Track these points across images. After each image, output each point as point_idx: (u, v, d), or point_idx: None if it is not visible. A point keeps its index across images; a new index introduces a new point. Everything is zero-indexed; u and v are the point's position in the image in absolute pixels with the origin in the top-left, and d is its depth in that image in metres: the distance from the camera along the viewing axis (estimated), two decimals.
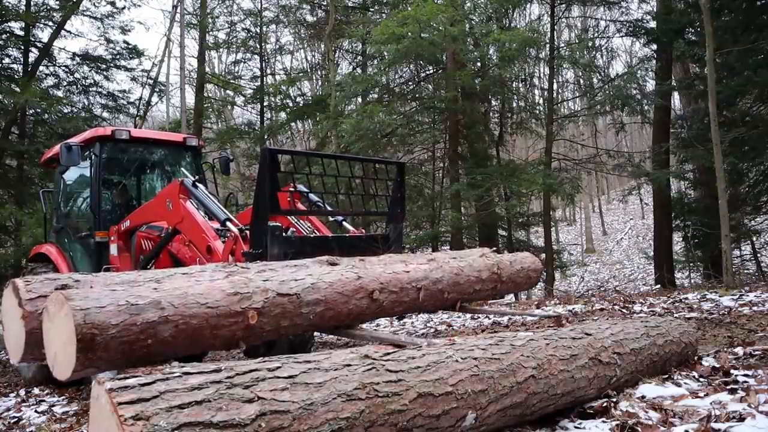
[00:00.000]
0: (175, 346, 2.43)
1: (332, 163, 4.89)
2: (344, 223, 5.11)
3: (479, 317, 7.25)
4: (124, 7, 14.62)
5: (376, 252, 4.34)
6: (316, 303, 2.96)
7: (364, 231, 5.30)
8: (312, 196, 5.06)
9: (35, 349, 2.51)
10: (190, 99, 18.48)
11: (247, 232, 3.98)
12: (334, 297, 3.05)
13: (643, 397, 2.72)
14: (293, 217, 4.92)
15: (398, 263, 3.67)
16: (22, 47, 13.47)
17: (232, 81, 19.31)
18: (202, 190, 4.52)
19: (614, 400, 2.65)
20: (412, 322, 7.91)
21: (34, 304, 2.53)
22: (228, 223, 4.17)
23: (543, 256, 13.35)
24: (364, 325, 3.49)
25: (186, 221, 4.38)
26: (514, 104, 16.44)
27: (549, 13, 13.97)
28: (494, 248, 4.94)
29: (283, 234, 4.01)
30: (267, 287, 2.77)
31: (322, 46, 19.34)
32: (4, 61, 13.68)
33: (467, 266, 4.02)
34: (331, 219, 5.35)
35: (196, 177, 4.81)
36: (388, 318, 8.36)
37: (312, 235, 4.70)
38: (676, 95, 16.72)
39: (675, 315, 5.48)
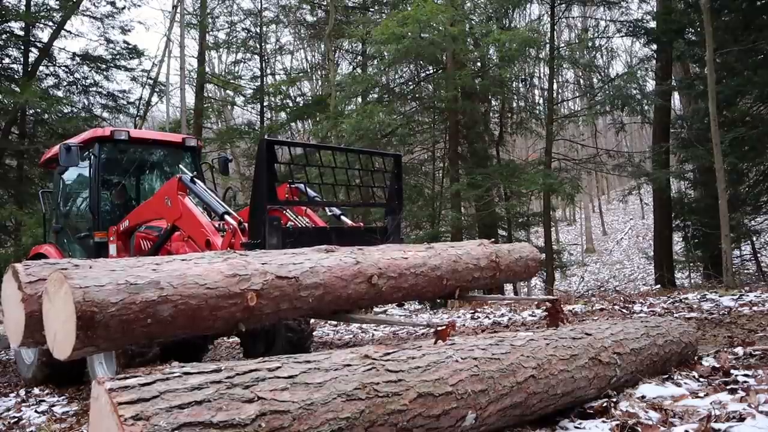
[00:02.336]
0: (174, 326, 2.43)
1: (331, 157, 4.87)
2: (342, 217, 5.10)
3: (479, 317, 7.25)
4: (124, 7, 14.63)
5: (375, 243, 4.35)
6: (315, 286, 2.96)
7: (362, 224, 5.29)
8: (309, 191, 5.05)
9: (35, 332, 2.51)
10: (190, 99, 18.50)
11: (246, 224, 3.98)
12: (333, 281, 3.05)
13: (643, 397, 2.72)
14: (291, 213, 4.92)
15: (396, 251, 3.67)
16: (22, 47, 13.48)
17: (232, 81, 19.32)
18: (200, 185, 4.52)
19: (614, 400, 2.65)
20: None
21: (34, 287, 2.53)
22: (226, 216, 4.17)
23: (543, 256, 13.35)
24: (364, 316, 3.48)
25: (185, 217, 4.39)
26: (514, 104, 16.45)
27: (549, 13, 13.98)
28: (492, 239, 4.95)
29: (281, 224, 4.01)
30: (266, 270, 2.77)
31: (322, 46, 19.35)
32: (4, 61, 13.69)
33: (465, 254, 4.03)
34: (329, 213, 5.35)
35: (194, 173, 4.80)
36: (388, 317, 8.36)
37: (311, 226, 4.71)
38: (676, 95, 16.74)
39: (675, 315, 5.48)
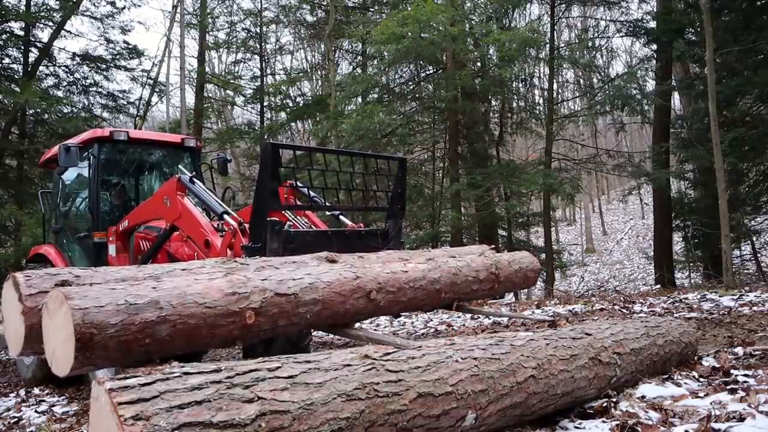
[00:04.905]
0: (172, 345, 2.44)
1: (333, 159, 4.83)
2: (341, 217, 5.09)
3: (479, 317, 7.25)
4: (124, 7, 14.63)
5: (376, 247, 4.33)
6: (313, 303, 2.96)
7: (363, 225, 5.27)
8: (308, 191, 5.03)
9: (35, 344, 2.52)
10: (190, 99, 18.49)
11: (246, 225, 3.98)
12: (331, 297, 3.05)
13: (643, 397, 2.72)
14: (290, 213, 4.91)
15: (397, 262, 3.65)
16: (22, 47, 13.47)
17: (232, 81, 19.31)
18: (199, 186, 4.52)
19: (614, 400, 2.65)
20: (412, 322, 7.91)
21: (35, 299, 2.54)
22: (226, 216, 4.17)
23: (543, 256, 13.35)
24: (364, 324, 3.47)
25: (184, 217, 4.39)
26: (514, 104, 16.45)
27: (549, 13, 13.98)
28: (493, 246, 4.92)
29: (282, 229, 4.01)
30: (265, 287, 2.77)
31: (322, 46, 19.35)
32: (4, 61, 13.68)
33: (465, 266, 4.01)
34: (327, 213, 5.33)
35: (193, 173, 4.81)
36: (387, 318, 8.37)
37: (311, 230, 4.69)
38: (676, 95, 16.73)
39: (675, 315, 5.48)
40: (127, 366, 2.23)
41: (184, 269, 3.05)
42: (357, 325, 3.43)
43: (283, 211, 4.77)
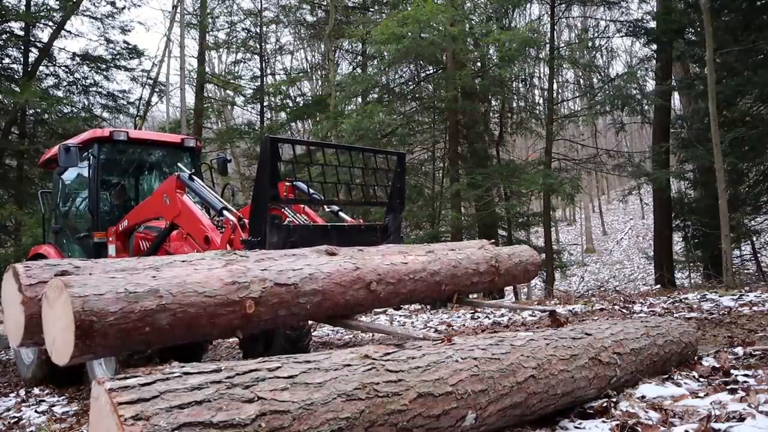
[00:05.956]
0: (172, 334, 2.43)
1: (333, 155, 4.82)
2: (340, 213, 5.09)
3: (479, 317, 7.26)
4: (124, 7, 14.65)
5: (376, 242, 4.33)
6: (313, 293, 2.95)
7: (362, 221, 5.27)
8: (308, 188, 5.03)
9: (35, 334, 2.52)
10: (190, 99, 18.50)
11: (246, 221, 3.98)
12: (331, 287, 3.04)
13: (643, 397, 2.72)
14: (289, 210, 4.91)
15: (397, 254, 3.65)
16: (22, 47, 13.50)
17: (232, 81, 19.32)
18: (198, 183, 4.52)
19: (614, 400, 2.65)
20: (412, 322, 7.90)
21: (34, 289, 2.53)
22: (225, 212, 4.17)
23: (543, 255, 13.36)
24: (363, 318, 3.47)
25: (183, 214, 4.39)
26: (514, 104, 16.46)
27: (549, 13, 13.99)
28: (492, 240, 4.92)
29: (282, 223, 4.01)
30: (265, 277, 2.76)
31: (322, 46, 19.36)
32: (4, 61, 13.70)
33: (465, 258, 4.00)
34: (327, 209, 5.34)
35: (192, 171, 4.80)
36: (387, 318, 8.37)
37: (311, 225, 4.69)
38: (676, 95, 16.74)
39: (675, 315, 5.48)
40: (127, 365, 2.23)
41: (183, 261, 3.05)
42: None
43: (282, 208, 4.77)
